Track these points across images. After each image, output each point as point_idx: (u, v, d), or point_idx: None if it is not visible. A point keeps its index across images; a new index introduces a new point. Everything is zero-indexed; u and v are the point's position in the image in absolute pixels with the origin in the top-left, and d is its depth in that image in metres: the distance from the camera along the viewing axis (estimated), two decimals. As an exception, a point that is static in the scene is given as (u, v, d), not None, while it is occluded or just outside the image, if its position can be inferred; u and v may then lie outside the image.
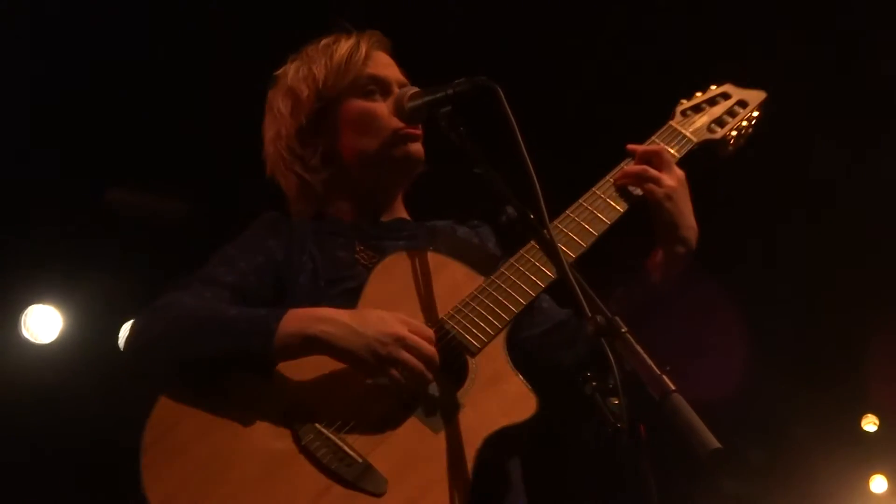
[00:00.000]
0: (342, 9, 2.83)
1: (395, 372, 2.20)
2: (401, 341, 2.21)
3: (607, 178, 2.63)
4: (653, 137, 2.71)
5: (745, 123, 2.78)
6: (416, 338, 2.23)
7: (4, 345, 5.56)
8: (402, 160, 2.65)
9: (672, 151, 2.67)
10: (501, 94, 2.25)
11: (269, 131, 2.74)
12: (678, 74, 5.49)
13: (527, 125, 2.22)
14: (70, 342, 5.67)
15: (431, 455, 2.22)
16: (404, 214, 2.78)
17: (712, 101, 2.80)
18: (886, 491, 7.67)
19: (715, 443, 1.78)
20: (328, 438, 2.18)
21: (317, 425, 2.20)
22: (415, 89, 2.53)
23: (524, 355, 2.45)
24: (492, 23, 5.29)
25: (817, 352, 6.98)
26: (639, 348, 1.90)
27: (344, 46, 2.71)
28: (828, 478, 7.41)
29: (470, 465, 2.21)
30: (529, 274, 2.47)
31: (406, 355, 2.21)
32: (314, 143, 2.68)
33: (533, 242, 2.46)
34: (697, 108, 2.78)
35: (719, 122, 2.76)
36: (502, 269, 2.48)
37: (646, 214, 2.60)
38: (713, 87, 2.83)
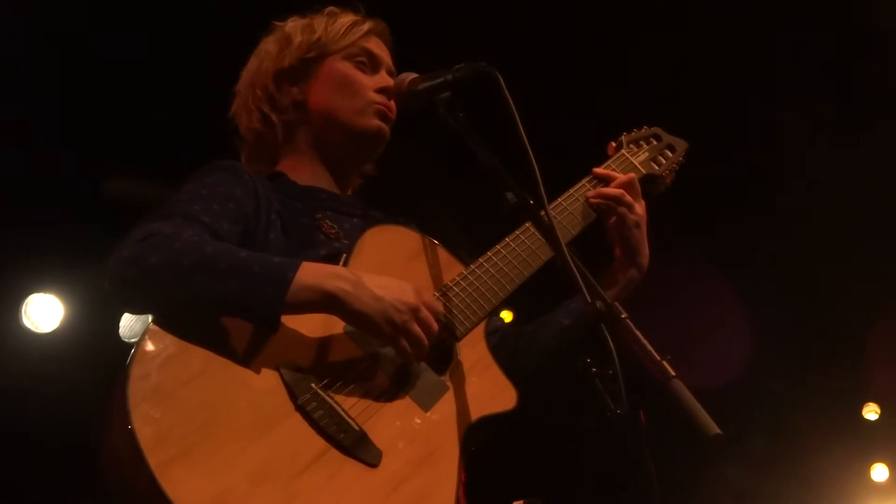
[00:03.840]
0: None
1: (404, 342, 2.18)
2: (416, 313, 2.19)
3: (570, 192, 2.73)
4: (608, 163, 2.84)
5: (675, 167, 2.96)
6: (427, 313, 2.22)
7: (5, 334, 5.56)
8: (367, 130, 2.65)
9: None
10: (501, 79, 2.25)
11: (250, 67, 2.75)
12: (676, 63, 5.55)
13: (526, 110, 2.22)
14: (71, 331, 5.66)
15: (422, 433, 2.23)
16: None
17: (647, 140, 2.95)
18: (887, 479, 7.67)
19: (715, 428, 1.79)
20: (324, 400, 2.15)
21: (312, 384, 2.16)
22: (414, 75, 2.53)
23: None
24: (492, 6, 5.28)
25: (819, 340, 6.98)
26: (639, 334, 1.90)
27: (349, 17, 2.75)
28: (829, 466, 7.41)
29: (457, 447, 2.24)
30: (516, 262, 2.51)
31: (417, 328, 2.19)
32: (288, 88, 2.68)
33: (517, 231, 2.53)
34: (637, 143, 2.93)
35: (655, 160, 2.93)
36: (489, 255, 2.51)
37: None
38: (646, 127, 2.99)
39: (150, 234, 2.17)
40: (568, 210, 2.68)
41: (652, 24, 5.50)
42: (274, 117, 2.66)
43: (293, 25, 2.73)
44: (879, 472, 7.67)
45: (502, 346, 2.62)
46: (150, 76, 5.31)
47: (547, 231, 2.16)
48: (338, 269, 2.24)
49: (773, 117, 5.95)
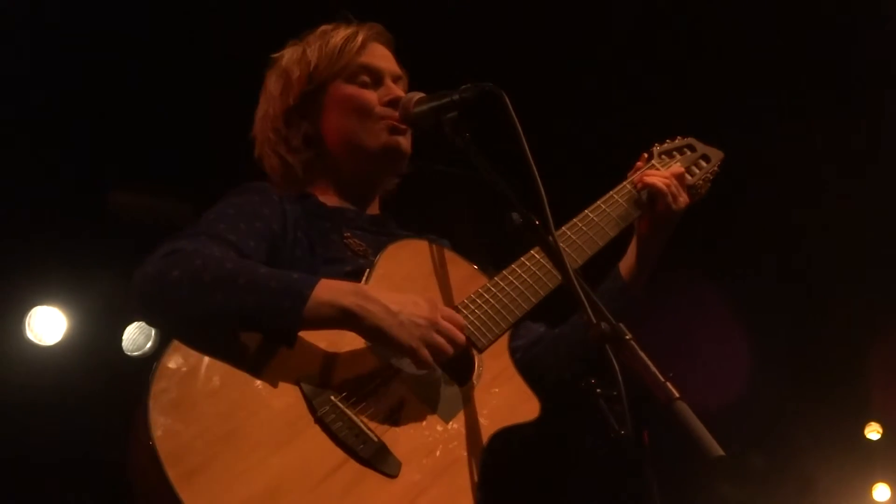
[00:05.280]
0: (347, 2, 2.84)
1: (424, 355, 2.20)
2: (434, 325, 2.22)
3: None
4: (638, 173, 2.86)
5: (709, 177, 2.98)
6: (447, 324, 2.24)
7: (9, 346, 5.54)
8: (385, 148, 2.65)
9: None
10: (507, 100, 2.26)
11: (260, 111, 2.76)
12: (684, 81, 5.57)
13: (532, 131, 2.23)
14: (74, 344, 5.65)
15: (443, 443, 2.26)
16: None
17: (681, 151, 2.98)
18: (889, 499, 7.63)
19: (719, 450, 1.79)
20: (343, 412, 2.18)
21: (332, 397, 2.19)
22: (420, 95, 2.54)
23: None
24: (499, 26, 5.29)
25: (821, 359, 6.97)
26: (643, 355, 1.91)
27: (341, 34, 2.73)
28: (830, 486, 7.38)
29: (478, 458, 2.26)
30: (540, 274, 2.53)
31: (439, 339, 2.21)
32: (299, 124, 2.69)
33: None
34: (670, 154, 2.95)
35: (689, 170, 2.93)
36: (513, 267, 2.54)
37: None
38: (679, 138, 3.01)
39: (173, 251, 2.22)
40: (607, 212, 2.73)
41: (662, 35, 5.52)
42: (290, 159, 2.67)
43: (289, 59, 2.73)
44: (881, 492, 7.64)
45: (541, 349, 2.69)
46: (157, 86, 5.32)
47: (552, 252, 2.16)
48: (355, 285, 2.27)
49: (777, 133, 5.96)
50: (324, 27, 2.76)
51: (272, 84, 2.74)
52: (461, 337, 2.26)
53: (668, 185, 2.74)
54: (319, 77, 2.68)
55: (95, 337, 5.67)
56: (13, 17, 4.91)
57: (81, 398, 5.36)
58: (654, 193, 2.74)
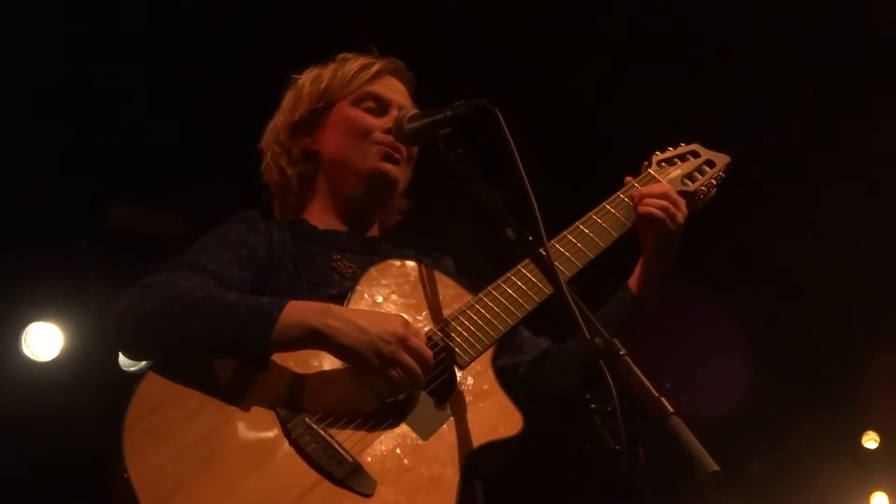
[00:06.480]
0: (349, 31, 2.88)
1: (394, 372, 2.21)
2: (403, 342, 2.22)
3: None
4: (632, 182, 2.83)
5: (713, 181, 2.93)
6: (417, 341, 2.25)
7: (5, 362, 5.54)
8: (374, 172, 2.69)
9: None
10: (500, 116, 2.27)
11: (270, 124, 2.84)
12: (679, 97, 5.58)
13: (526, 147, 2.23)
14: (71, 360, 5.65)
15: (420, 461, 2.25)
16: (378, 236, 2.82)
17: (683, 157, 2.94)
18: (887, 508, 7.64)
19: (713, 465, 1.80)
20: (318, 434, 2.19)
21: (306, 419, 2.20)
22: (414, 111, 2.56)
23: (512, 381, 2.48)
24: (492, 42, 5.30)
25: (818, 368, 6.97)
26: (637, 370, 1.91)
27: (359, 61, 2.81)
28: (828, 495, 7.37)
29: (456, 475, 2.25)
30: (526, 289, 2.52)
31: (407, 357, 2.22)
32: (301, 138, 2.77)
33: (526, 261, 2.53)
34: (670, 162, 2.91)
35: (690, 177, 2.90)
36: (498, 282, 2.53)
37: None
38: (683, 144, 2.97)
39: (148, 284, 2.28)
40: (599, 223, 2.70)
41: (654, 51, 5.53)
42: (288, 170, 2.74)
43: (305, 77, 2.81)
44: (879, 500, 7.62)
45: (547, 364, 2.69)
46: (154, 102, 5.33)
47: (546, 268, 2.17)
48: (324, 305, 2.28)
49: (774, 142, 5.97)
50: (345, 54, 2.85)
51: (285, 99, 2.83)
52: (429, 354, 2.26)
53: (664, 208, 2.68)
54: (328, 96, 2.76)
55: (92, 352, 5.65)
56: (10, 30, 4.92)
57: (78, 414, 5.35)
58: (650, 219, 2.69)
